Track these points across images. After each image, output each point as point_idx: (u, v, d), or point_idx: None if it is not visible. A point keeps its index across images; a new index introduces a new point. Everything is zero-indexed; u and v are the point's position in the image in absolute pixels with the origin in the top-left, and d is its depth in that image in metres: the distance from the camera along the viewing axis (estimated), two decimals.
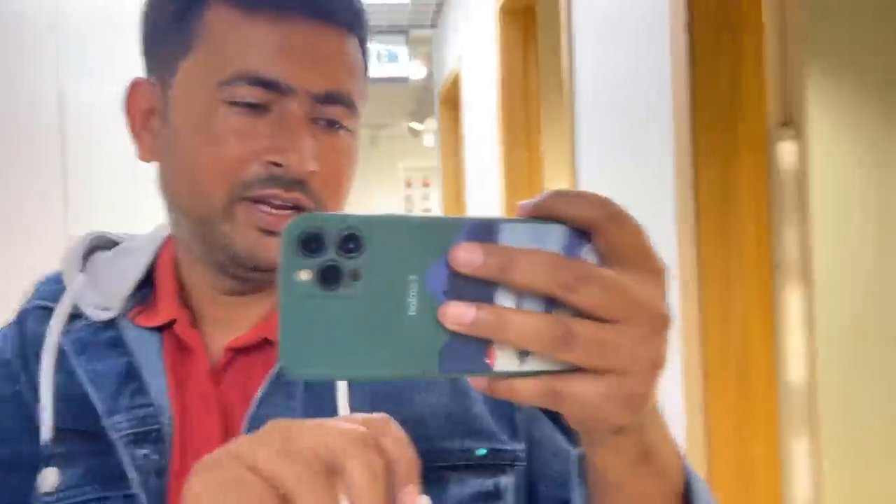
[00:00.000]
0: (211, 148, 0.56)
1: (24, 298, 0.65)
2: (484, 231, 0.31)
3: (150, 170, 0.63)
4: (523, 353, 0.32)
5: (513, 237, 0.32)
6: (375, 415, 0.37)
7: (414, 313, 0.31)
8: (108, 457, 0.56)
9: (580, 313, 0.31)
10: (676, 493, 0.42)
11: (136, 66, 0.63)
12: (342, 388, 0.56)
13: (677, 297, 1.47)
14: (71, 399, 0.58)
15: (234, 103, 0.56)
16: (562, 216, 0.32)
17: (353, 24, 0.60)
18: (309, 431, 0.34)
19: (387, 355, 0.31)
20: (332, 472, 0.33)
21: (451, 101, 4.42)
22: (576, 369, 0.32)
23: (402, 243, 0.31)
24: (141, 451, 0.55)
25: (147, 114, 0.61)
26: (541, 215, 0.33)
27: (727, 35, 1.40)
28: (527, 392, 0.32)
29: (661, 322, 0.33)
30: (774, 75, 1.46)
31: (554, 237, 0.32)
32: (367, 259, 0.30)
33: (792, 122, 1.49)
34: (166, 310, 0.60)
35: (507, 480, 0.57)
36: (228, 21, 0.57)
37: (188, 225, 0.60)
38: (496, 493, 0.57)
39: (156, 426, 0.56)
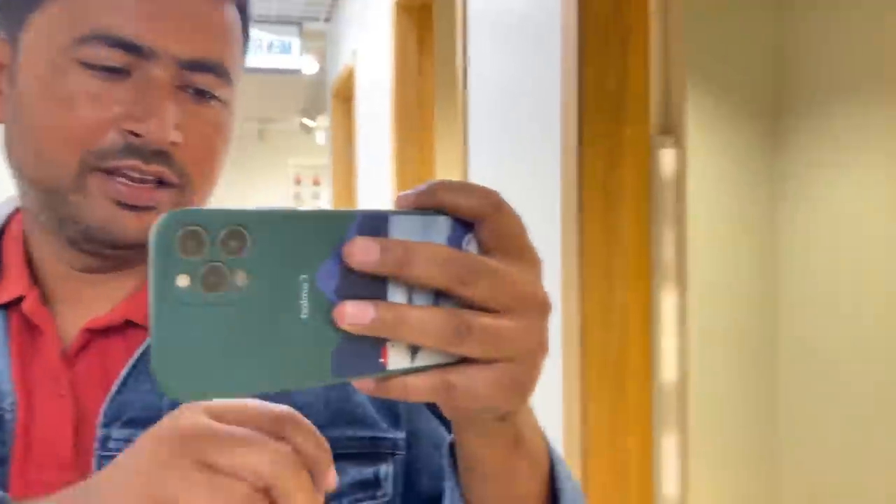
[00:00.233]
0: (61, 112, 0.51)
1: None
2: (374, 225, 0.30)
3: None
4: (413, 349, 0.31)
5: (402, 230, 0.31)
6: (278, 407, 0.36)
7: (305, 316, 0.29)
8: None
9: (468, 305, 0.32)
10: (543, 476, 0.43)
11: None
12: None
13: (559, 295, 1.50)
14: None
15: (89, 65, 0.51)
16: (446, 206, 0.32)
17: None
18: (231, 450, 0.33)
19: (277, 365, 0.28)
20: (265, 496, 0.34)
21: (345, 96, 4.36)
22: (462, 360, 0.32)
23: (290, 240, 0.28)
24: None
25: None
26: (423, 206, 0.32)
27: (615, 42, 1.44)
28: (421, 388, 0.32)
29: (543, 309, 0.34)
30: (657, 86, 1.52)
31: (439, 228, 0.32)
32: (254, 258, 0.28)
33: (672, 131, 1.56)
34: (13, 286, 0.55)
35: (386, 469, 0.56)
36: None
37: (36, 195, 0.54)
38: (376, 482, 0.55)
39: None
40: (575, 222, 1.43)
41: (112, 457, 0.45)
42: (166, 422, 0.37)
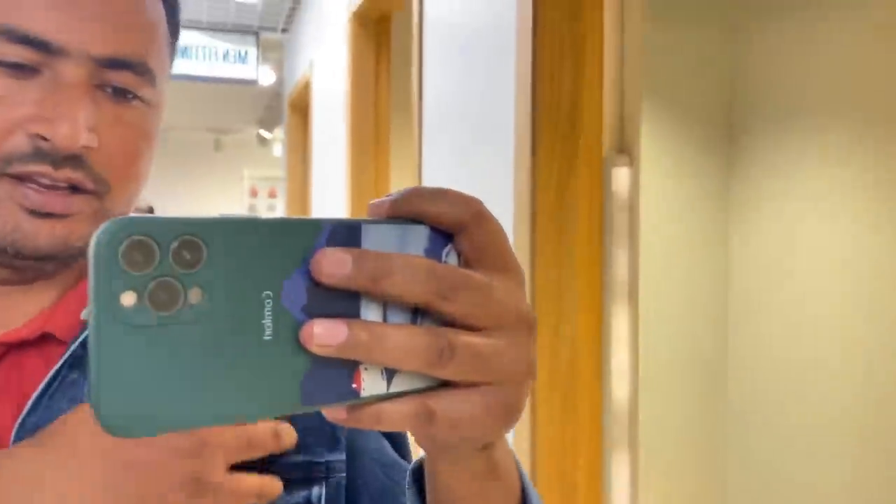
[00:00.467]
0: None
1: None
2: (345, 234, 0.27)
3: None
4: (390, 373, 0.28)
5: (376, 240, 0.28)
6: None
7: (269, 337, 0.25)
8: None
9: (447, 322, 0.28)
10: (515, 502, 0.40)
11: None
12: None
13: None
14: None
15: None
16: (425, 215, 0.29)
17: None
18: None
19: (239, 392, 0.25)
20: None
21: (301, 107, 4.32)
22: (443, 384, 0.29)
23: (252, 252, 0.25)
24: None
25: None
26: (399, 214, 0.29)
27: (570, 60, 1.44)
28: (397, 417, 0.28)
29: (530, 326, 0.31)
30: (612, 104, 1.53)
31: (416, 239, 0.29)
32: (210, 273, 0.24)
33: (626, 150, 1.56)
34: None
35: (319, 491, 0.54)
36: None
37: None
38: None
39: None
40: (527, 241, 1.42)
41: None
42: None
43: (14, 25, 0.47)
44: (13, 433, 0.48)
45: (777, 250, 2.71)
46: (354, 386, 0.27)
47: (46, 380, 0.50)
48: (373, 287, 0.27)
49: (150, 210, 2.82)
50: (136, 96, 0.52)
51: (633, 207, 1.55)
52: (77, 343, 0.52)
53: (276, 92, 5.76)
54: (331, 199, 3.43)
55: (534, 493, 0.42)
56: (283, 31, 4.70)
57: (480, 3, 1.72)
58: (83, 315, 0.52)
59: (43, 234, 0.49)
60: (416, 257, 0.28)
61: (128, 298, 0.23)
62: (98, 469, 0.43)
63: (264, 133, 7.44)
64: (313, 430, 0.54)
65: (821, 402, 2.49)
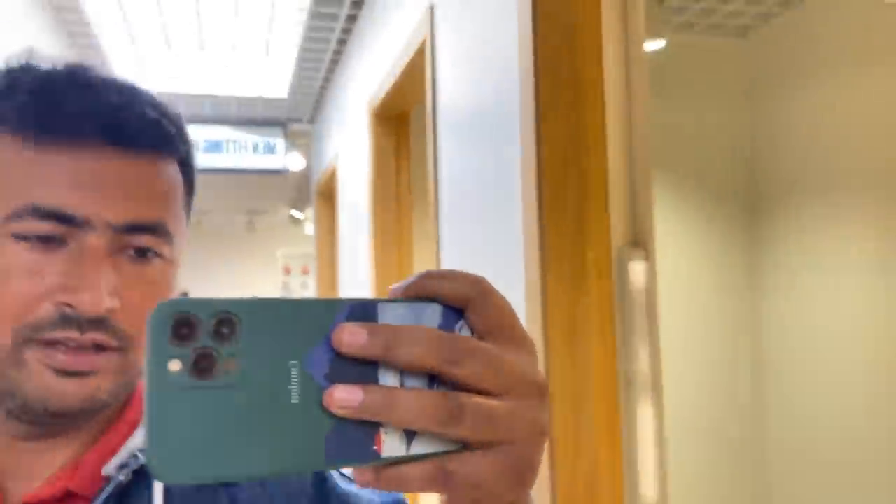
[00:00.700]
0: None
1: None
2: (362, 312, 0.31)
3: None
4: (409, 436, 0.31)
5: (391, 317, 0.31)
6: None
7: (296, 401, 0.29)
8: None
9: (462, 388, 0.31)
10: None
11: None
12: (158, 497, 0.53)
13: None
14: None
15: (25, 237, 0.51)
16: (435, 294, 0.32)
17: (166, 146, 0.57)
18: None
19: (270, 450, 0.29)
20: None
21: (328, 193, 4.42)
22: (463, 448, 0.31)
23: (280, 327, 0.29)
24: None
25: None
26: (414, 295, 0.33)
27: (572, 149, 1.46)
28: (418, 477, 0.31)
29: (540, 390, 0.33)
30: (621, 195, 1.54)
31: (430, 315, 0.32)
32: (244, 345, 0.29)
33: (641, 243, 1.56)
34: None
35: None
36: (15, 151, 0.53)
37: None
38: None
39: None
40: (541, 343, 1.42)
41: None
42: None
43: (41, 203, 0.51)
44: None
45: (808, 331, 2.65)
46: (375, 448, 0.30)
47: None
48: (387, 355, 0.30)
49: (185, 294, 2.89)
50: (155, 254, 0.56)
51: (650, 302, 1.54)
52: (100, 500, 0.53)
53: (305, 174, 5.91)
54: (358, 280, 3.48)
55: None
56: (310, 121, 4.85)
57: (489, 95, 1.77)
58: (104, 471, 0.54)
59: (71, 392, 0.52)
60: (423, 327, 0.31)
61: (174, 365, 0.28)
62: None
63: (296, 213, 7.60)
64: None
65: (863, 488, 2.39)
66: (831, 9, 2.74)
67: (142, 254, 0.55)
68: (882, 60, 2.48)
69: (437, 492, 0.32)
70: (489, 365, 0.31)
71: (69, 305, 0.51)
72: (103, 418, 0.57)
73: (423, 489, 0.31)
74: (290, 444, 0.29)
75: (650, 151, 1.57)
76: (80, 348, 0.52)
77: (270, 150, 4.55)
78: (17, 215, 0.51)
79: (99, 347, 0.52)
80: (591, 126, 1.48)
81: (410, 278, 0.33)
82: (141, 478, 0.55)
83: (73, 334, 0.51)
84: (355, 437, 0.30)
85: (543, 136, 1.46)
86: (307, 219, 7.35)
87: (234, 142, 4.40)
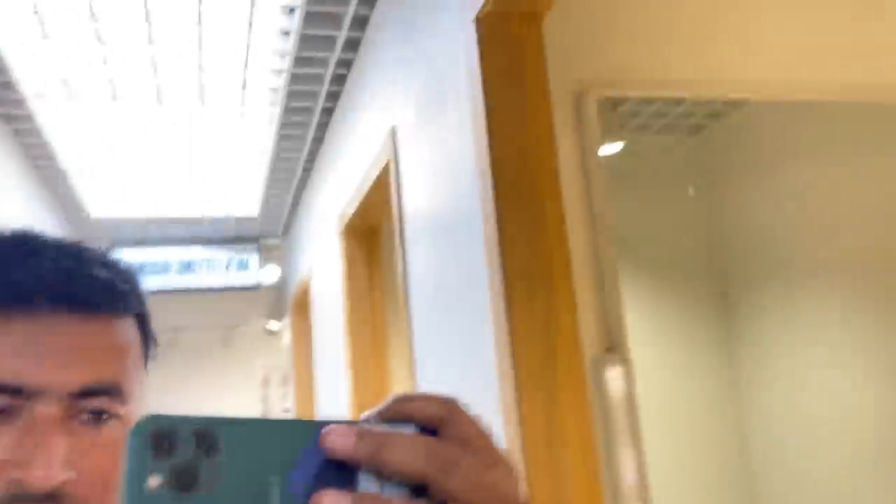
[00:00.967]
0: None
1: None
2: None
3: None
4: None
5: None
6: None
7: None
8: None
9: (447, 500, 0.31)
10: None
11: None
12: None
13: None
14: None
15: None
16: (409, 416, 0.33)
17: (119, 305, 0.56)
18: None
19: None
20: None
21: (303, 306, 4.42)
22: None
23: (261, 443, 0.29)
24: None
25: None
26: (388, 419, 0.33)
27: (539, 281, 1.49)
28: None
29: None
30: (592, 301, 1.57)
31: None
32: (225, 460, 0.29)
33: (615, 349, 1.58)
34: None
35: None
36: None
37: None
38: None
39: None
40: (519, 458, 1.41)
41: None
42: None
43: None
44: None
45: (790, 419, 2.64)
46: None
47: None
48: (375, 458, 0.30)
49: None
50: (111, 415, 0.54)
51: (630, 407, 1.54)
52: None
53: (279, 287, 5.91)
54: (335, 392, 3.43)
55: None
56: (283, 234, 4.91)
57: (452, 211, 1.82)
58: None
59: None
60: (415, 434, 0.31)
61: (153, 480, 0.27)
62: None
63: (272, 325, 7.54)
64: None
65: None
66: (771, 110, 2.89)
67: (97, 415, 0.54)
68: (821, 150, 2.60)
69: None
70: (475, 475, 0.31)
71: (21, 481, 0.50)
72: None
73: None
74: None
75: (614, 251, 1.62)
76: None
77: (244, 266, 4.58)
78: None
79: None
80: (552, 232, 1.52)
81: (383, 403, 0.33)
82: None
83: None
84: None
85: (505, 249, 1.50)
86: (284, 328, 7.29)
87: (208, 261, 4.42)
